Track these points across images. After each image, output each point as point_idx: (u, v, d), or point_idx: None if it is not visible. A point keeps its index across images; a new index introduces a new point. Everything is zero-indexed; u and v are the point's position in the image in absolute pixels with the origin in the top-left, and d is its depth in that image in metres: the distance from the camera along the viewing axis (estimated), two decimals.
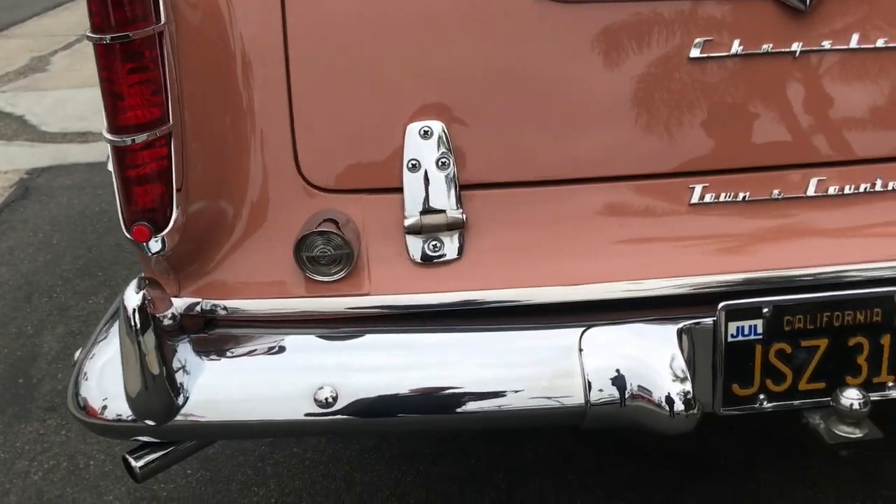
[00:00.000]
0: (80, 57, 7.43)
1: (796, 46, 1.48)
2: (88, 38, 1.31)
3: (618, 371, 1.41)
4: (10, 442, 2.43)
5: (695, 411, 1.41)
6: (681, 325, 1.45)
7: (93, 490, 2.22)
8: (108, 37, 1.29)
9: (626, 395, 1.41)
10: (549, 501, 2.09)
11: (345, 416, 1.41)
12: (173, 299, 1.45)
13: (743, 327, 1.46)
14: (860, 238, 1.53)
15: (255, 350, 1.46)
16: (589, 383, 1.41)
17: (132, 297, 1.37)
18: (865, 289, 1.47)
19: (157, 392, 1.39)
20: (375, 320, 1.49)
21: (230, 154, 1.47)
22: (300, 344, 1.48)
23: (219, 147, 1.46)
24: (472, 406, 1.43)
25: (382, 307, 1.46)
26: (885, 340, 1.48)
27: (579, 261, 1.49)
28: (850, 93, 1.53)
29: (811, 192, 1.53)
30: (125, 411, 1.43)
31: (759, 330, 1.46)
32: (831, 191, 1.54)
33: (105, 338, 1.51)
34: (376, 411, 1.42)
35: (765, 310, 1.45)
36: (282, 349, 1.47)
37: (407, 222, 1.47)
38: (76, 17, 9.10)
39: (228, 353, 1.46)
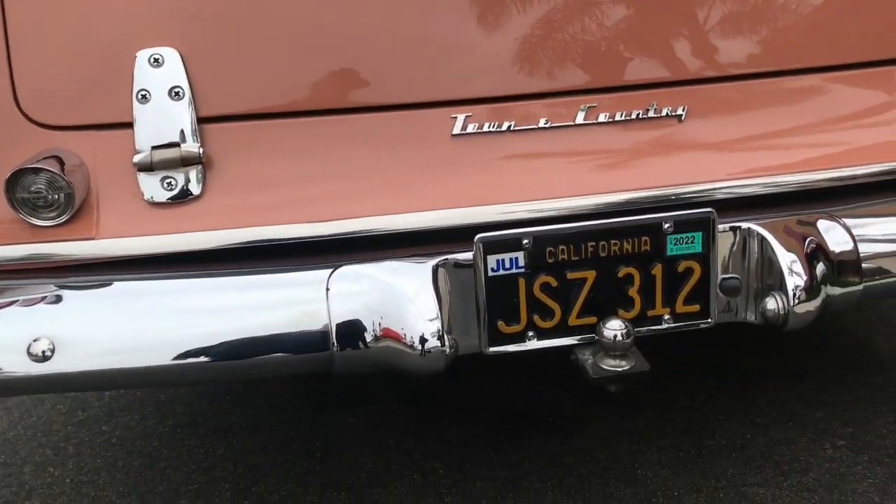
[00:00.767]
0: None
1: None
2: None
3: (366, 311, 1.32)
4: None
5: (445, 349, 1.32)
6: (436, 261, 1.37)
7: None
8: None
9: (374, 337, 1.31)
10: (364, 466, 1.99)
11: (62, 371, 1.28)
12: None
13: (503, 261, 1.38)
14: (630, 166, 1.46)
15: None
16: (335, 326, 1.31)
17: None
18: (632, 217, 1.41)
19: None
20: (111, 267, 1.37)
21: None
22: (26, 295, 1.35)
23: None
24: (210, 356, 1.32)
25: (110, 253, 1.34)
26: (657, 271, 1.42)
27: (329, 197, 1.39)
28: (620, 17, 1.46)
29: (580, 120, 1.46)
30: None
31: (521, 263, 1.38)
32: (601, 118, 1.46)
33: None
34: (98, 366, 1.30)
35: (525, 241, 1.37)
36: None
37: (136, 158, 1.34)
38: None
39: None
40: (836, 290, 1.45)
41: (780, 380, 2.26)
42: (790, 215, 1.46)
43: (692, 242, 1.42)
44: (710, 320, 1.45)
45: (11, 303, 1.35)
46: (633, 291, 1.43)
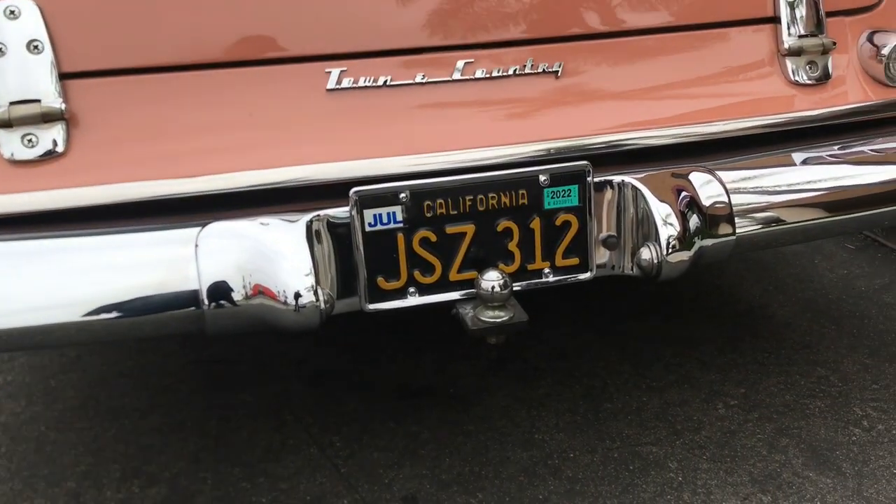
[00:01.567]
0: None
1: None
2: None
3: (236, 268, 1.29)
4: None
5: (320, 304, 1.30)
6: (311, 216, 1.35)
7: None
8: None
9: (245, 294, 1.28)
10: (259, 443, 1.95)
11: None
12: None
13: (381, 215, 1.37)
14: (508, 121, 1.47)
15: None
16: (204, 284, 1.27)
17: None
18: (509, 170, 1.42)
19: None
20: None
21: None
22: None
23: None
24: (79, 317, 1.28)
25: None
26: (535, 224, 1.43)
27: (199, 153, 1.35)
28: None
29: (458, 75, 1.46)
30: None
31: (399, 217, 1.37)
32: (479, 74, 1.46)
33: None
34: None
35: (402, 195, 1.36)
36: None
37: None
38: None
39: None
40: (709, 241, 1.48)
41: (677, 346, 2.31)
42: (665, 168, 1.49)
43: (569, 196, 1.43)
44: (589, 273, 1.47)
45: None
46: (512, 245, 1.43)
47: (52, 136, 1.31)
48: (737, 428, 1.95)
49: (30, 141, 1.31)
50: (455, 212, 1.39)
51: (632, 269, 1.47)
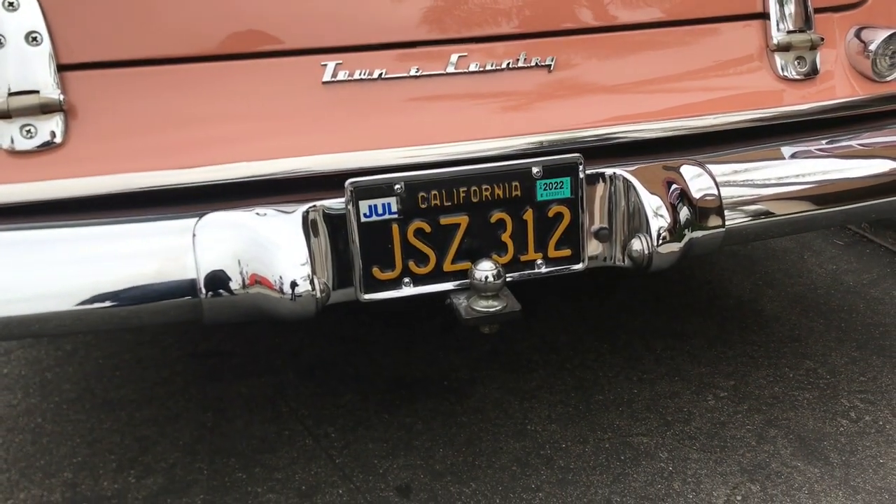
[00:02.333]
0: None
1: None
2: None
3: (233, 258, 1.30)
4: None
5: (316, 293, 1.32)
6: (307, 207, 1.36)
7: None
8: None
9: (242, 283, 1.30)
10: (255, 434, 1.97)
11: None
12: None
13: (376, 206, 1.39)
14: (501, 114, 1.48)
15: None
16: (202, 274, 1.29)
17: None
18: (503, 162, 1.44)
19: None
20: None
21: None
22: None
23: None
24: (79, 306, 1.29)
25: None
26: (528, 216, 1.45)
27: (196, 144, 1.37)
28: None
29: (451, 69, 1.48)
30: None
31: (394, 208, 1.39)
32: (473, 67, 1.48)
33: None
34: None
35: (397, 186, 1.38)
36: None
37: None
38: None
39: None
40: (699, 233, 1.50)
41: (668, 339, 2.34)
42: (656, 161, 1.51)
43: (561, 187, 1.45)
44: (581, 264, 1.49)
45: None
46: (505, 236, 1.45)
47: (50, 126, 1.33)
48: (726, 419, 1.97)
49: (28, 132, 1.32)
50: (449, 203, 1.41)
51: (623, 261, 1.50)
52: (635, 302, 2.57)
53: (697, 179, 1.50)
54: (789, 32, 1.63)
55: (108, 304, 1.30)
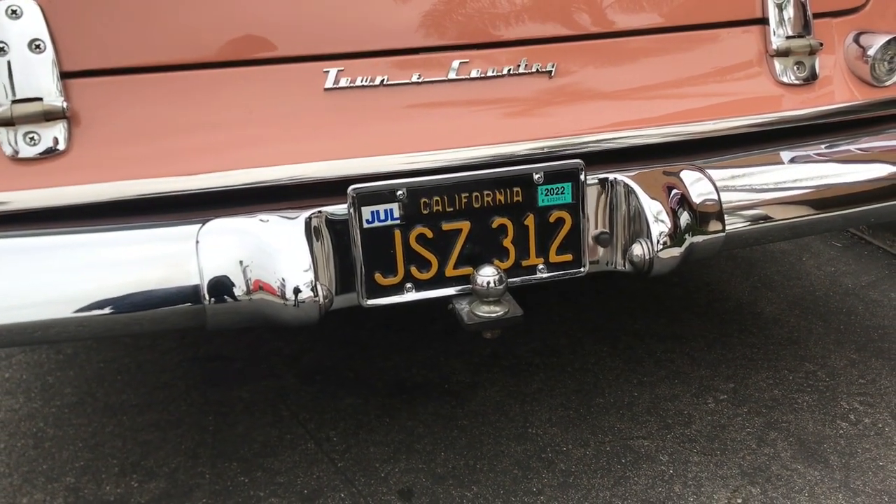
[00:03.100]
0: None
1: None
2: None
3: (236, 265, 1.31)
4: None
5: (319, 300, 1.32)
6: (310, 213, 1.37)
7: None
8: None
9: (245, 290, 1.31)
10: (257, 438, 1.98)
11: None
12: None
13: (378, 212, 1.39)
14: (502, 120, 1.49)
15: None
16: (206, 280, 1.30)
17: None
18: (504, 168, 1.44)
19: None
20: None
21: None
22: None
23: None
24: (81, 312, 1.29)
25: None
26: (529, 221, 1.45)
27: (198, 151, 1.37)
28: None
29: (453, 75, 1.49)
30: None
31: (396, 214, 1.40)
32: (474, 73, 1.49)
33: None
34: None
35: (399, 192, 1.38)
36: None
37: None
38: None
39: None
40: (699, 238, 1.51)
41: (667, 342, 2.34)
42: (657, 166, 1.52)
43: (562, 193, 1.46)
44: (582, 269, 1.50)
45: None
46: (507, 242, 1.46)
47: (53, 134, 1.33)
48: (726, 422, 1.98)
49: (31, 139, 1.33)
50: (451, 209, 1.42)
51: (624, 266, 1.50)
52: (635, 304, 2.57)
53: (697, 184, 1.51)
54: (788, 38, 1.64)
55: (111, 310, 1.30)
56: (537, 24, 1.52)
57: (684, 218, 1.48)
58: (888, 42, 1.66)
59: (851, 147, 1.69)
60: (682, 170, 1.51)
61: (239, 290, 1.30)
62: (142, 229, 1.33)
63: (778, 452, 1.86)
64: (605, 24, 1.54)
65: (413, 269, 1.42)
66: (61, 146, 1.34)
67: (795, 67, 1.65)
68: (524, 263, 1.48)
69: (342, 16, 1.44)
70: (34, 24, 1.32)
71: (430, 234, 1.42)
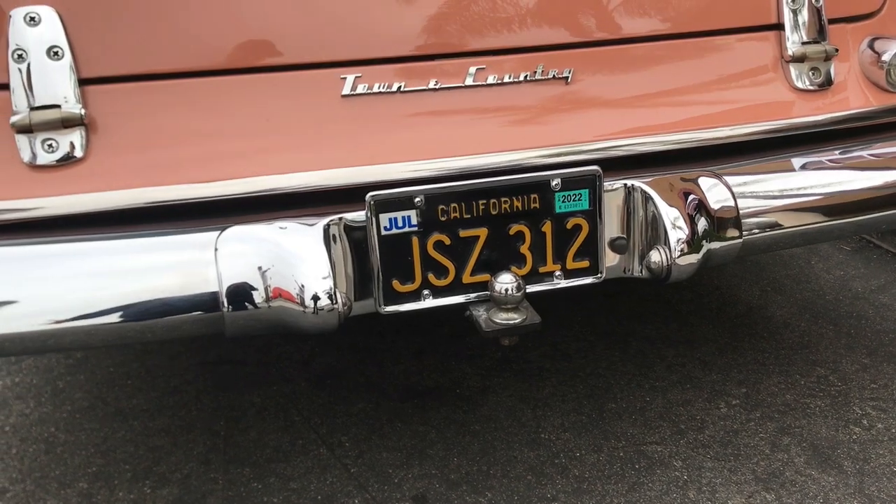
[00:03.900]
0: None
1: None
2: None
3: (255, 272, 1.30)
4: None
5: (338, 307, 1.32)
6: (328, 220, 1.37)
7: None
8: None
9: (265, 297, 1.30)
10: (269, 443, 1.98)
11: None
12: None
13: (396, 219, 1.39)
14: (519, 126, 1.49)
15: None
16: (224, 287, 1.29)
17: None
18: (521, 175, 1.44)
19: None
20: None
21: None
22: None
23: None
24: (100, 320, 1.29)
25: None
26: (547, 228, 1.45)
27: (216, 158, 1.37)
28: None
29: (470, 81, 1.48)
30: None
31: (414, 221, 1.39)
32: (491, 80, 1.49)
33: None
34: None
35: (417, 199, 1.38)
36: None
37: (14, 119, 1.30)
38: None
39: None
40: (717, 244, 1.51)
41: (678, 346, 2.34)
42: (673, 173, 1.52)
43: (579, 200, 1.46)
44: (599, 276, 1.50)
45: None
46: (524, 248, 1.46)
47: (71, 140, 1.33)
48: (739, 427, 1.98)
49: (50, 146, 1.32)
50: (468, 216, 1.41)
51: (641, 272, 1.50)
52: (645, 308, 2.57)
53: (715, 190, 1.51)
54: (804, 43, 1.64)
55: (127, 318, 1.29)
56: (553, 31, 1.52)
57: (702, 224, 1.48)
58: None
59: (864, 153, 1.68)
60: (699, 176, 1.51)
61: (258, 298, 1.30)
62: (160, 236, 1.33)
63: (791, 458, 1.86)
64: (622, 30, 1.54)
65: (430, 276, 1.42)
66: (79, 153, 1.33)
67: (811, 73, 1.65)
68: (541, 270, 1.47)
69: (359, 23, 1.43)
70: (52, 30, 1.31)
71: (447, 241, 1.41)
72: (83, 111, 1.32)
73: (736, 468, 1.83)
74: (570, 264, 1.48)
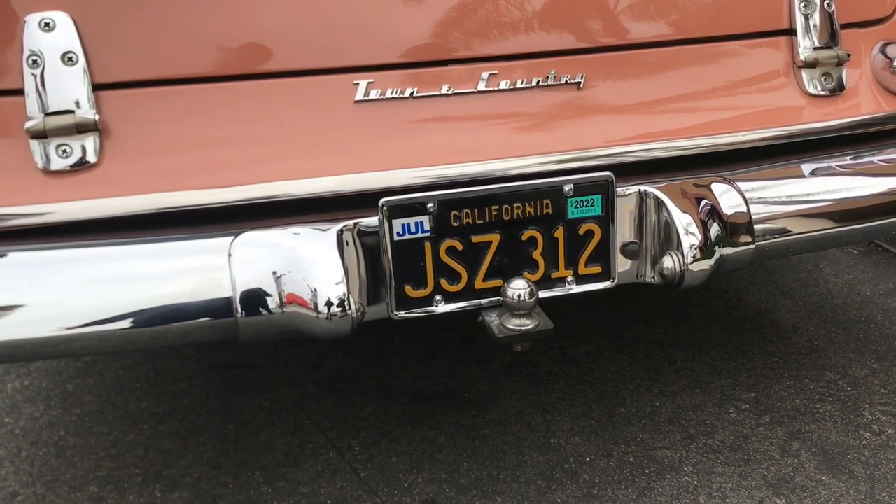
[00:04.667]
0: None
1: None
2: None
3: (269, 277, 1.31)
4: None
5: (351, 312, 1.32)
6: (341, 226, 1.37)
7: None
8: None
9: (278, 303, 1.30)
10: (279, 447, 1.98)
11: None
12: None
13: (409, 225, 1.39)
14: (531, 132, 1.49)
15: None
16: (238, 293, 1.30)
17: None
18: (534, 180, 1.44)
19: None
20: (4, 238, 1.32)
21: None
22: None
23: None
24: (113, 325, 1.29)
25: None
26: (559, 234, 1.45)
27: (230, 163, 1.37)
28: None
29: (482, 87, 1.49)
30: None
31: (427, 227, 1.39)
32: (503, 85, 1.49)
33: None
34: None
35: (430, 205, 1.38)
36: None
37: (28, 124, 1.30)
38: None
39: None
40: (730, 250, 1.50)
41: (687, 351, 2.34)
42: (686, 178, 1.52)
43: (592, 205, 1.46)
44: (611, 281, 1.50)
45: None
46: (536, 254, 1.46)
47: (85, 146, 1.33)
48: (749, 432, 1.98)
49: (64, 151, 1.33)
50: (481, 221, 1.41)
51: (653, 278, 1.50)
52: (653, 312, 2.57)
53: (727, 196, 1.51)
54: (816, 49, 1.64)
55: (141, 323, 1.30)
56: (566, 36, 1.52)
57: (714, 230, 1.48)
58: None
59: (876, 158, 1.68)
60: (712, 182, 1.51)
61: (272, 303, 1.30)
62: (173, 242, 1.33)
63: (802, 463, 1.85)
64: (634, 35, 1.54)
65: (443, 282, 1.42)
66: (92, 158, 1.34)
67: (823, 78, 1.65)
68: (553, 275, 1.47)
69: (372, 28, 1.43)
70: (67, 36, 1.32)
71: (459, 247, 1.41)
72: (97, 116, 1.32)
73: (746, 473, 1.83)
74: (583, 270, 1.48)
